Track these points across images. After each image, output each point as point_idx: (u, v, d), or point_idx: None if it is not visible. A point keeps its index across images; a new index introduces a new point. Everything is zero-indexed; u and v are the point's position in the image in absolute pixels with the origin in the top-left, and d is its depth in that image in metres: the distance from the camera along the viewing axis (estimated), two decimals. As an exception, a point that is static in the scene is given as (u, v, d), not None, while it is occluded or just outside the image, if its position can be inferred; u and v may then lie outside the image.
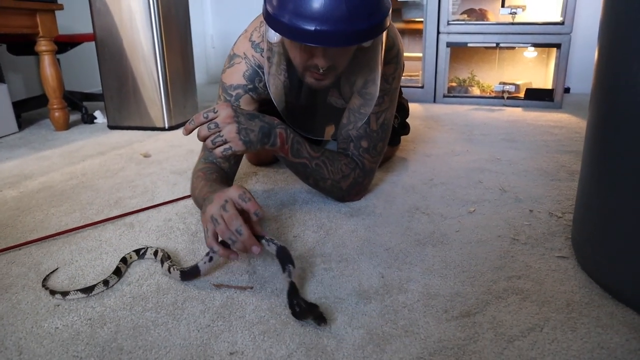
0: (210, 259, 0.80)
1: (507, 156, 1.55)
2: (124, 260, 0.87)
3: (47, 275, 0.84)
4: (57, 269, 0.86)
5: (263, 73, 1.06)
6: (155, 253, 0.89)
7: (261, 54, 1.06)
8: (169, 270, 0.82)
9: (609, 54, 0.73)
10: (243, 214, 0.77)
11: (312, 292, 0.77)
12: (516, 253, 0.89)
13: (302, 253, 0.90)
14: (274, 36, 0.91)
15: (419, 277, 0.81)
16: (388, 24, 0.86)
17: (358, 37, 0.81)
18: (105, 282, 0.80)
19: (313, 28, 0.78)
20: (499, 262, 0.86)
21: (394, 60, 1.06)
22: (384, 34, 0.90)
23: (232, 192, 0.77)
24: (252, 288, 0.79)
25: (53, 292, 0.78)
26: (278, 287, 0.79)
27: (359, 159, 1.09)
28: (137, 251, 0.90)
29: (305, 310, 0.68)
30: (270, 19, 0.84)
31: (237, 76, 1.09)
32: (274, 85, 0.99)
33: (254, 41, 1.07)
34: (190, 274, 0.81)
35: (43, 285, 0.80)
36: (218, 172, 1.03)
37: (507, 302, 0.74)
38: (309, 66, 0.92)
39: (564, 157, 1.53)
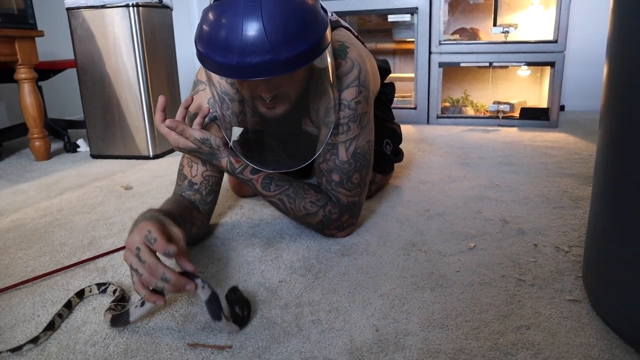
0: (143, 303, 0.74)
1: (506, 181, 1.48)
2: (80, 293, 0.85)
3: None
4: None
5: (228, 100, 1.03)
6: (114, 292, 0.85)
7: (225, 80, 1.03)
8: (104, 313, 0.78)
9: (620, 70, 0.66)
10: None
11: (297, 351, 0.69)
12: (523, 297, 0.81)
13: (288, 301, 0.82)
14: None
15: (418, 329, 0.73)
16: (323, 48, 0.82)
17: (283, 66, 0.78)
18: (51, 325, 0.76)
19: (235, 62, 0.76)
20: (505, 308, 0.78)
21: (353, 83, 0.99)
22: (328, 57, 0.88)
23: (138, 236, 0.70)
24: (230, 347, 0.70)
25: None
26: (260, 345, 0.70)
27: (333, 194, 1.02)
28: (99, 285, 0.87)
29: (245, 315, 0.74)
30: (200, 56, 0.83)
31: (202, 103, 1.03)
32: (228, 121, 1.00)
33: None
34: (119, 320, 0.75)
35: None
36: (177, 202, 0.99)
37: (517, 359, 0.66)
38: (257, 97, 0.91)
39: (565, 182, 1.46)
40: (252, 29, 0.76)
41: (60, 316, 0.79)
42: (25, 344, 0.71)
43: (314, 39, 0.80)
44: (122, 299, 0.83)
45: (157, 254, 0.70)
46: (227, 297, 0.77)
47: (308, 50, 0.79)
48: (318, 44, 0.80)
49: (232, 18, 0.77)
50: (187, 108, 0.95)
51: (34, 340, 0.72)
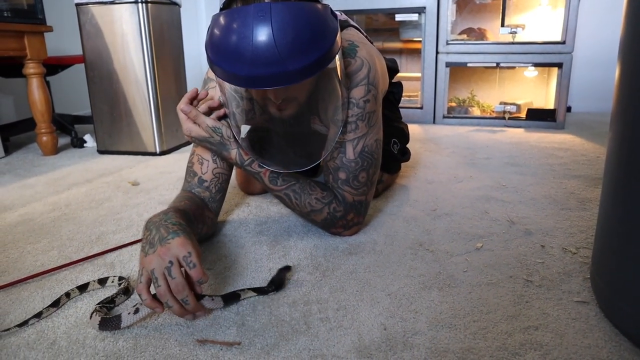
0: (137, 310, 0.74)
1: (513, 182, 1.48)
2: (102, 280, 0.88)
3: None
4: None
5: (237, 97, 1.03)
6: (123, 289, 0.85)
7: None
8: (90, 315, 0.76)
9: (634, 71, 0.66)
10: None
11: (306, 349, 0.69)
12: (531, 298, 0.81)
13: (296, 299, 0.82)
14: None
15: (426, 328, 0.73)
16: (332, 57, 0.83)
17: (293, 77, 0.78)
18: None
19: (245, 73, 0.77)
20: (513, 309, 0.78)
21: (362, 82, 0.99)
22: (337, 58, 0.87)
23: (177, 250, 0.71)
24: (239, 344, 0.71)
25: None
26: (269, 342, 0.71)
27: (339, 192, 1.02)
28: (120, 278, 0.90)
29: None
30: (210, 63, 0.83)
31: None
32: (237, 119, 0.98)
33: None
34: (109, 324, 0.75)
35: None
36: (190, 199, 0.99)
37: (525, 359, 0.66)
38: (267, 99, 0.92)
39: (572, 183, 1.46)
40: (262, 39, 0.76)
41: (68, 295, 0.83)
42: (30, 319, 0.77)
43: (324, 48, 0.80)
44: (111, 302, 0.81)
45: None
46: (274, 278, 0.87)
47: (318, 60, 0.79)
48: (327, 53, 0.80)
49: (242, 28, 0.77)
50: (211, 108, 0.97)
51: (38, 315, 0.78)
